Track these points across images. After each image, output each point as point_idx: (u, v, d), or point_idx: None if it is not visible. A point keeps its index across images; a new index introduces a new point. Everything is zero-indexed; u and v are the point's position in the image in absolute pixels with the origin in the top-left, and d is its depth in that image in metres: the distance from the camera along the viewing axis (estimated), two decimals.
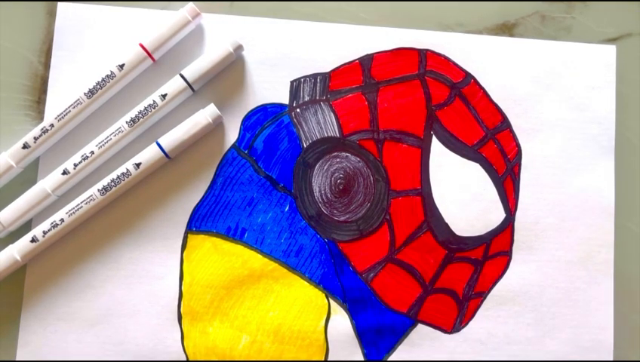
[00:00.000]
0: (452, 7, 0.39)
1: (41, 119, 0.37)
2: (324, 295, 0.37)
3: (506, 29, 0.39)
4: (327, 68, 0.38)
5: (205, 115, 0.36)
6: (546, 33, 0.39)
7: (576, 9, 0.39)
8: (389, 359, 0.36)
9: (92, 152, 0.36)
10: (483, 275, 0.37)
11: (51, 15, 0.38)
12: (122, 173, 0.36)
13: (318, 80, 0.38)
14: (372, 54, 0.38)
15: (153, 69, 0.37)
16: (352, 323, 0.37)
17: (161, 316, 0.36)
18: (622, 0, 0.39)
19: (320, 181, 0.37)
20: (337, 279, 0.37)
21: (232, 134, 0.38)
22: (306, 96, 0.38)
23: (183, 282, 0.37)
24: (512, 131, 0.38)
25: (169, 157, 0.36)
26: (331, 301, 0.37)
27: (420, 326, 0.37)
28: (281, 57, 0.38)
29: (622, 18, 0.39)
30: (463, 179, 0.38)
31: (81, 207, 0.35)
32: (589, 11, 0.39)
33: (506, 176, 0.38)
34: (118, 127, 0.36)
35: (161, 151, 0.36)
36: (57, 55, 0.37)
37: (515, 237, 0.37)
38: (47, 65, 0.38)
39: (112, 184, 0.36)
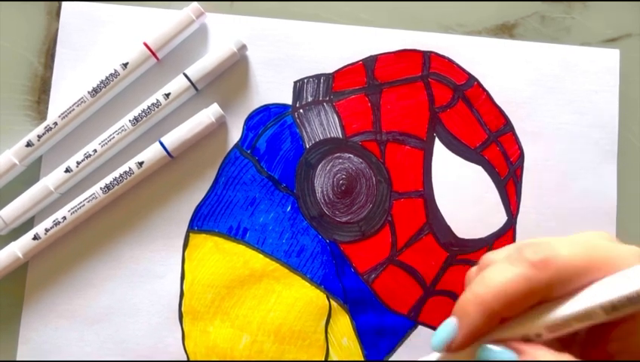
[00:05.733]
0: (452, 8, 0.39)
1: (42, 119, 0.37)
2: (325, 295, 0.37)
3: (506, 30, 0.39)
4: (330, 69, 0.38)
5: (208, 114, 0.36)
6: (546, 34, 0.39)
7: (576, 9, 0.39)
8: (389, 360, 0.36)
9: (95, 151, 0.36)
10: None
11: (51, 15, 0.38)
12: (125, 172, 0.36)
13: (322, 81, 0.38)
14: (376, 55, 0.38)
15: (157, 67, 0.37)
16: (352, 324, 0.37)
17: (161, 315, 0.36)
18: (622, 0, 0.39)
19: (322, 182, 0.37)
20: (338, 280, 0.37)
21: (234, 134, 0.38)
22: (309, 96, 0.38)
23: (184, 281, 0.37)
24: (514, 134, 0.38)
25: (172, 157, 0.36)
26: (332, 301, 0.37)
27: (420, 328, 0.37)
28: (285, 58, 0.38)
29: (621, 18, 0.39)
30: (465, 181, 0.38)
31: (84, 205, 0.35)
32: (588, 12, 0.39)
33: (508, 179, 0.38)
34: (121, 125, 0.36)
35: (163, 150, 0.36)
36: (61, 53, 0.37)
37: (517, 241, 0.37)
38: (47, 65, 0.38)
39: (115, 182, 0.36)
